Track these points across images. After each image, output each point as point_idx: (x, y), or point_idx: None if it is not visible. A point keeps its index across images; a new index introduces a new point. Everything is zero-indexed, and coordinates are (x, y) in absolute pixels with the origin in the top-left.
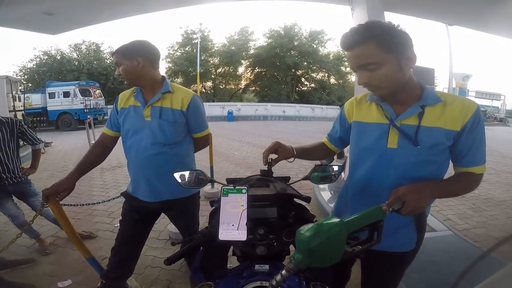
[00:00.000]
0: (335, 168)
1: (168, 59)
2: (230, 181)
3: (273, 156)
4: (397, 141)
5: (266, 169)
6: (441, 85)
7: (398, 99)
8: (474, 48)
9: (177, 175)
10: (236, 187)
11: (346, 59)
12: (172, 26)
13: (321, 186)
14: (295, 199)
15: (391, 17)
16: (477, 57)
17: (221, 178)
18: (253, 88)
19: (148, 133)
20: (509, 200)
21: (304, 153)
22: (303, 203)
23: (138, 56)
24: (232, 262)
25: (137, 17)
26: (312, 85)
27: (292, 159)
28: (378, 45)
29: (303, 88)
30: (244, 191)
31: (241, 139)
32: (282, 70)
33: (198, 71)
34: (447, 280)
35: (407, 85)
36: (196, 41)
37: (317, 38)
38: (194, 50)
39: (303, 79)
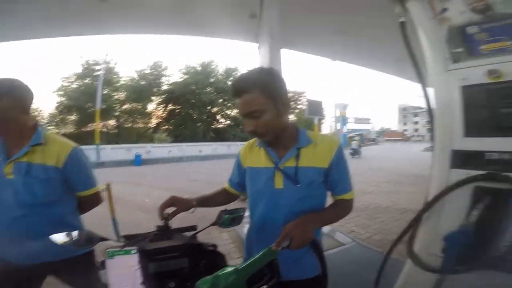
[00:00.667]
0: (242, 209)
1: (61, 92)
2: (127, 237)
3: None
4: (283, 182)
5: (162, 224)
6: (330, 114)
7: (280, 144)
8: (350, 79)
9: (56, 237)
10: (124, 249)
11: None
12: (72, 55)
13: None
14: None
15: (288, 54)
16: (353, 88)
17: (129, 229)
18: (166, 127)
19: (11, 193)
20: (392, 205)
21: (206, 201)
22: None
23: (2, 94)
24: None
25: (27, 41)
26: (228, 122)
27: (192, 209)
28: (260, 93)
29: (219, 126)
30: (133, 252)
31: (153, 184)
32: (198, 107)
33: (98, 107)
34: None
35: (287, 130)
36: (98, 72)
37: (232, 75)
38: (95, 83)
39: (218, 117)
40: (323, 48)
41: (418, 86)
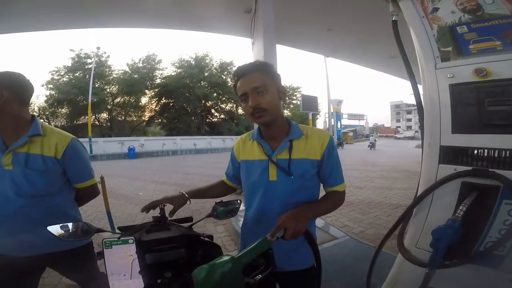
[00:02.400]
0: (237, 201)
1: (51, 86)
2: (122, 229)
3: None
4: (276, 174)
5: (159, 215)
6: (324, 110)
7: (273, 135)
8: (345, 76)
9: (53, 229)
10: (121, 239)
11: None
12: (61, 48)
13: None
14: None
15: (282, 49)
16: (347, 84)
17: (123, 222)
18: (159, 120)
19: (10, 184)
20: (384, 200)
21: (200, 193)
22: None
23: (3, 88)
24: None
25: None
26: (222, 116)
27: (188, 202)
28: (266, 74)
29: (213, 119)
30: (131, 241)
31: (147, 177)
32: (192, 101)
33: (89, 100)
34: (359, 281)
35: (279, 119)
36: (90, 66)
37: (226, 70)
38: (87, 76)
39: (213, 111)
40: (317, 45)
41: (409, 84)
